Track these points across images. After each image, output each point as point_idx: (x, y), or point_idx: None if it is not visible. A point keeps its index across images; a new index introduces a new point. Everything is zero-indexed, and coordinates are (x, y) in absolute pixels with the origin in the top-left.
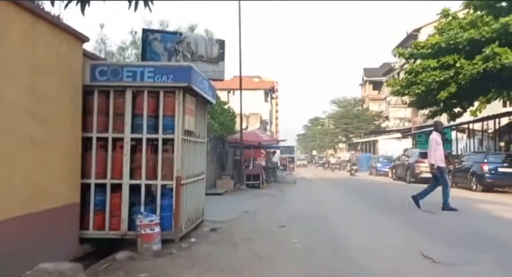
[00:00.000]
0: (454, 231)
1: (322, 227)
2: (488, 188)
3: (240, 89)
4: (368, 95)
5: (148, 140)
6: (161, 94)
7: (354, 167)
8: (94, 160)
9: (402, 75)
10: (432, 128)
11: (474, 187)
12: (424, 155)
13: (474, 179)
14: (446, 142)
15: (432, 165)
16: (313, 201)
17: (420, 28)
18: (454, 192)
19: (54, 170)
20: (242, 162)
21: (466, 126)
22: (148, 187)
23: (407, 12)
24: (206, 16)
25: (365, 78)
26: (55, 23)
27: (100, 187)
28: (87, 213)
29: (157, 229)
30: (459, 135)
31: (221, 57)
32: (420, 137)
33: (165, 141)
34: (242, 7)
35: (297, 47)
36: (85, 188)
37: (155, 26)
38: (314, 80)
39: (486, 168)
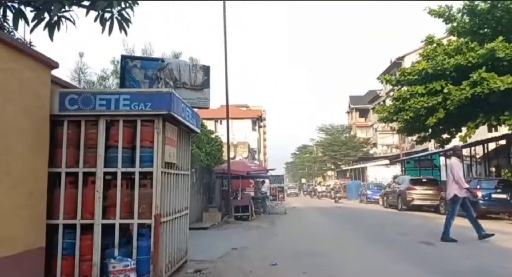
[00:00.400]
0: (460, 266)
1: (318, 265)
2: (481, 215)
3: (227, 117)
4: (355, 122)
5: (123, 174)
6: (138, 123)
7: (338, 195)
8: (63, 198)
9: (388, 102)
10: (417, 155)
11: None
12: (415, 182)
13: None
14: (435, 168)
15: (469, 189)
16: (305, 233)
17: (403, 56)
18: None
19: (12, 211)
20: (230, 193)
21: None
22: (124, 226)
23: (390, 40)
24: (190, 44)
25: (351, 106)
26: (16, 46)
27: (70, 228)
28: (54, 258)
29: (133, 275)
30: (448, 161)
31: (206, 84)
32: (408, 163)
33: (143, 175)
34: (227, 35)
35: (284, 74)
36: (52, 230)
37: (138, 54)
38: (302, 108)
39: (479, 194)
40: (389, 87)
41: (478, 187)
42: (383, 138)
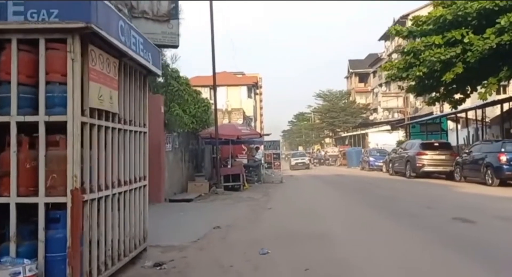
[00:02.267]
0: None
1: (324, 255)
2: (504, 182)
3: (213, 67)
4: (354, 87)
5: (21, 126)
6: (42, 45)
7: (315, 161)
8: None
9: (394, 58)
10: (425, 118)
11: (490, 181)
12: (426, 146)
13: (489, 172)
14: (442, 132)
15: None
16: (305, 206)
17: (408, 14)
18: (467, 188)
19: None
20: (218, 160)
21: (463, 114)
22: (28, 208)
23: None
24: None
25: (350, 70)
26: None
27: None
28: None
29: None
30: (453, 124)
31: (173, 14)
32: (414, 128)
33: (53, 128)
34: None
35: (278, 40)
36: None
37: None
38: (298, 74)
39: (504, 158)
40: (392, 48)
41: (503, 150)
42: (386, 102)
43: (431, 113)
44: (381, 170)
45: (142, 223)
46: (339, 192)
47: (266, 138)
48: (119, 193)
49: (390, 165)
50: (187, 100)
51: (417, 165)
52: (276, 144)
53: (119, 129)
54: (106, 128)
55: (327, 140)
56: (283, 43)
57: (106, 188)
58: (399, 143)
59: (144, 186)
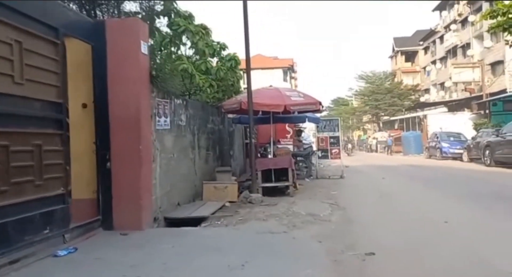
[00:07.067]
0: None
1: None
2: None
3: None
4: (400, 67)
5: None
6: None
7: (349, 147)
8: None
9: (452, 37)
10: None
11: None
12: None
13: None
14: None
15: None
16: (426, 230)
17: None
18: None
19: None
20: (252, 147)
21: None
22: None
23: None
24: None
25: (396, 49)
26: None
27: None
28: None
29: None
30: None
31: None
32: (495, 106)
33: None
34: None
35: (312, 21)
36: None
37: None
38: (335, 57)
39: None
40: (450, 18)
41: None
42: (459, 74)
43: (505, 90)
44: (460, 158)
45: None
46: (455, 198)
47: (320, 115)
48: None
49: (487, 152)
50: (204, 53)
51: None
52: (334, 124)
53: None
54: None
55: (369, 125)
56: (316, 22)
57: None
58: (477, 125)
59: None
